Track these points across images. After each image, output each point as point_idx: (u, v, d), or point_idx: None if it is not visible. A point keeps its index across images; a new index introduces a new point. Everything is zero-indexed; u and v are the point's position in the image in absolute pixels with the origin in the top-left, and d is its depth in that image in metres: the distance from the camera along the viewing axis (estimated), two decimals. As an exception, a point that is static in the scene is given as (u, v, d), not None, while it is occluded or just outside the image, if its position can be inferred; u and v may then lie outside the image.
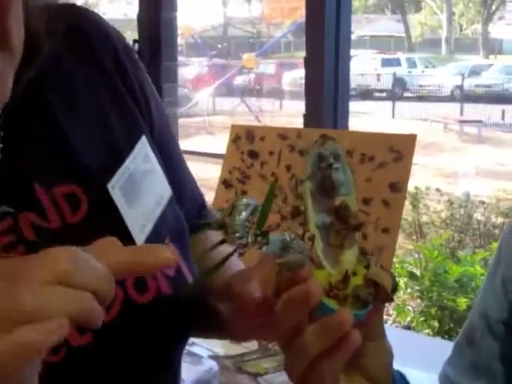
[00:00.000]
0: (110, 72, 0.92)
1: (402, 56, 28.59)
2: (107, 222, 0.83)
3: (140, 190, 0.87)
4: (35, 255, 0.57)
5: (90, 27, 0.93)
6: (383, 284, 0.69)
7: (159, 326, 0.85)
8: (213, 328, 0.93)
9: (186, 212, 0.98)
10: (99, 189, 0.83)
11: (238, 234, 0.66)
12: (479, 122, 16.92)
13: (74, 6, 0.94)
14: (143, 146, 0.90)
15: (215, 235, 1.03)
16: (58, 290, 0.55)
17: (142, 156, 0.89)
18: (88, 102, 0.89)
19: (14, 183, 0.80)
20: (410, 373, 0.85)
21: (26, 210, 0.79)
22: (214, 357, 1.90)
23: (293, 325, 0.68)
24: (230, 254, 0.71)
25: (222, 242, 0.67)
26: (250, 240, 0.67)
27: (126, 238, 0.83)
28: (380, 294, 0.69)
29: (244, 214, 0.67)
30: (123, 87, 0.92)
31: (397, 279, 0.71)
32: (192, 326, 0.92)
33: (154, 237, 0.86)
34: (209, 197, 1.54)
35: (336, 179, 0.71)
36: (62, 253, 0.57)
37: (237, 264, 0.95)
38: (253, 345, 1.87)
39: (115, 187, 0.84)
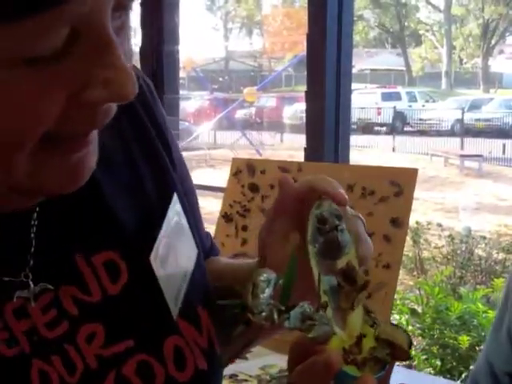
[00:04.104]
0: (142, 119, 0.87)
1: (402, 90, 28.76)
2: (146, 293, 0.80)
3: (173, 257, 0.83)
4: None
5: None
6: (399, 343, 0.67)
7: None
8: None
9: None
10: (137, 256, 0.80)
11: (264, 314, 0.65)
12: (480, 156, 16.97)
13: None
14: (175, 205, 0.86)
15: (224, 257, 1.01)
16: None
17: (174, 216, 0.85)
18: (122, 158, 0.84)
19: (53, 253, 0.76)
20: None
21: (66, 282, 0.75)
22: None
23: None
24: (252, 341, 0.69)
25: (247, 323, 0.65)
26: (275, 317, 0.65)
27: (163, 311, 0.80)
28: (397, 352, 0.67)
29: (267, 291, 0.65)
30: (154, 135, 0.88)
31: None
32: None
33: (187, 307, 0.83)
34: (209, 231, 1.51)
35: (342, 241, 0.71)
36: None
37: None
38: None
39: (156, 258, 0.80)
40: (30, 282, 0.73)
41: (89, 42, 0.61)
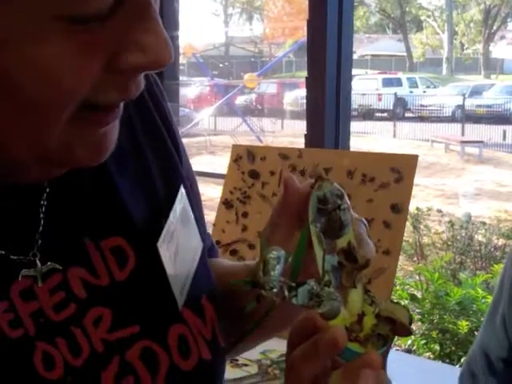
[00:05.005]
0: (149, 106, 0.88)
1: (403, 76, 28.69)
2: (152, 281, 0.80)
3: (179, 247, 0.84)
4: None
5: None
6: (400, 319, 0.68)
7: None
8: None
9: None
10: (144, 243, 0.80)
11: (275, 290, 0.66)
12: (480, 142, 16.94)
13: None
14: (182, 197, 0.86)
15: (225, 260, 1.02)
16: None
17: (180, 206, 0.85)
18: (129, 145, 0.83)
19: (62, 234, 0.76)
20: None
21: (74, 264, 0.76)
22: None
23: (316, 373, 0.67)
24: (266, 315, 0.71)
25: (258, 300, 0.66)
26: (286, 294, 0.66)
27: (169, 299, 0.81)
28: (398, 329, 0.68)
29: (277, 268, 0.66)
30: (160, 123, 0.89)
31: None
32: None
33: (192, 297, 0.84)
34: (210, 217, 1.51)
35: (345, 220, 0.71)
36: None
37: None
38: (252, 368, 1.85)
39: (163, 245, 0.80)
40: (38, 261, 0.73)
41: (131, 7, 0.62)
